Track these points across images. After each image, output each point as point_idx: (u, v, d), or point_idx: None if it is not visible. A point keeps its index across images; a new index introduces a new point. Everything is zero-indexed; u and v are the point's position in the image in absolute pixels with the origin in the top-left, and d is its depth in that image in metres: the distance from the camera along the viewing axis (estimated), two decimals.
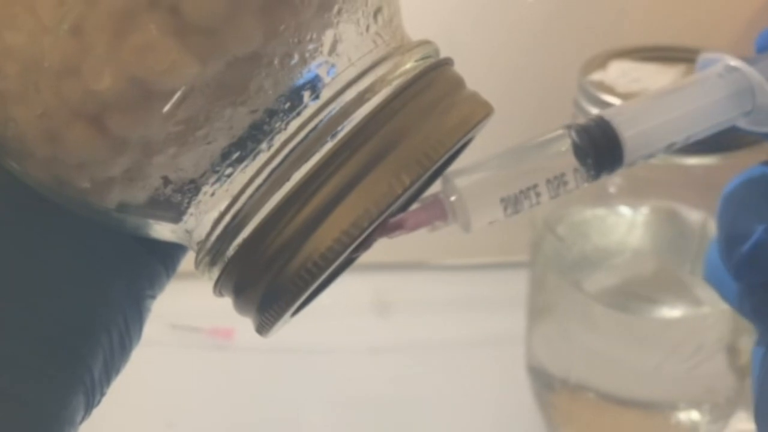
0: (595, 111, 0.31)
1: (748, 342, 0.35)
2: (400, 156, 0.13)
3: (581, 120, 0.17)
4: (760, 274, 0.17)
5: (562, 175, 0.17)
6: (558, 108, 0.34)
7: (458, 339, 0.46)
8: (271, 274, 0.14)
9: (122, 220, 0.15)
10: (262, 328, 0.15)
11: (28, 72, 0.12)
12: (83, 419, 0.16)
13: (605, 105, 0.30)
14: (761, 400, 0.17)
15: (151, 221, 0.15)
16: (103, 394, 0.17)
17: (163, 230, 0.16)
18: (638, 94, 0.30)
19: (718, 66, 0.17)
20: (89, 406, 0.16)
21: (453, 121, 0.14)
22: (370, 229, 0.14)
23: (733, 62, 0.17)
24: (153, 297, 0.18)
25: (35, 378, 0.15)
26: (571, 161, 0.17)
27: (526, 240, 0.38)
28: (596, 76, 0.32)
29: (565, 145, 0.17)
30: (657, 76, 0.31)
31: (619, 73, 0.32)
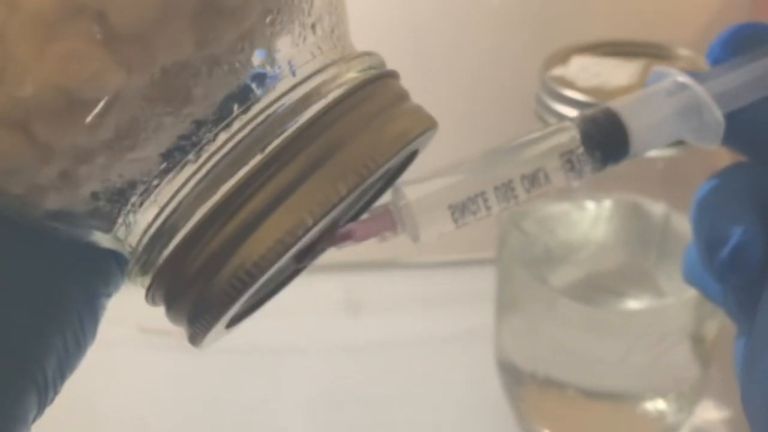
0: (557, 107, 0.31)
1: (711, 330, 0.36)
2: (337, 165, 0.13)
3: (585, 113, 0.17)
4: (742, 276, 0.17)
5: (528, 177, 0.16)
6: (520, 104, 0.35)
7: (429, 336, 0.46)
8: (201, 284, 0.13)
9: (57, 228, 0.15)
10: (194, 339, 0.15)
11: None
12: (36, 418, 0.16)
13: (567, 100, 0.30)
14: (748, 391, 0.17)
15: (85, 230, 0.15)
16: (56, 393, 0.17)
17: (97, 238, 0.15)
18: (599, 88, 0.31)
19: (667, 82, 0.17)
20: (42, 405, 0.16)
21: (393, 133, 0.14)
22: (306, 238, 0.14)
23: (682, 78, 0.17)
24: (108, 295, 0.18)
25: None
26: (547, 162, 0.16)
27: (494, 237, 0.38)
28: (557, 71, 0.32)
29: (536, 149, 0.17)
30: (617, 71, 0.31)
31: (580, 68, 0.32)
